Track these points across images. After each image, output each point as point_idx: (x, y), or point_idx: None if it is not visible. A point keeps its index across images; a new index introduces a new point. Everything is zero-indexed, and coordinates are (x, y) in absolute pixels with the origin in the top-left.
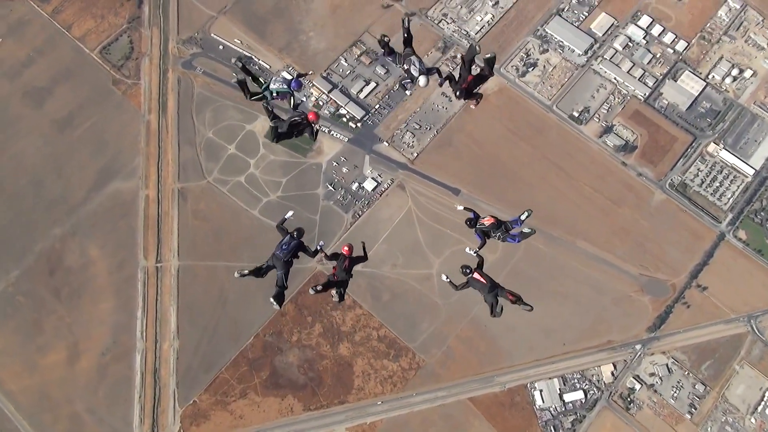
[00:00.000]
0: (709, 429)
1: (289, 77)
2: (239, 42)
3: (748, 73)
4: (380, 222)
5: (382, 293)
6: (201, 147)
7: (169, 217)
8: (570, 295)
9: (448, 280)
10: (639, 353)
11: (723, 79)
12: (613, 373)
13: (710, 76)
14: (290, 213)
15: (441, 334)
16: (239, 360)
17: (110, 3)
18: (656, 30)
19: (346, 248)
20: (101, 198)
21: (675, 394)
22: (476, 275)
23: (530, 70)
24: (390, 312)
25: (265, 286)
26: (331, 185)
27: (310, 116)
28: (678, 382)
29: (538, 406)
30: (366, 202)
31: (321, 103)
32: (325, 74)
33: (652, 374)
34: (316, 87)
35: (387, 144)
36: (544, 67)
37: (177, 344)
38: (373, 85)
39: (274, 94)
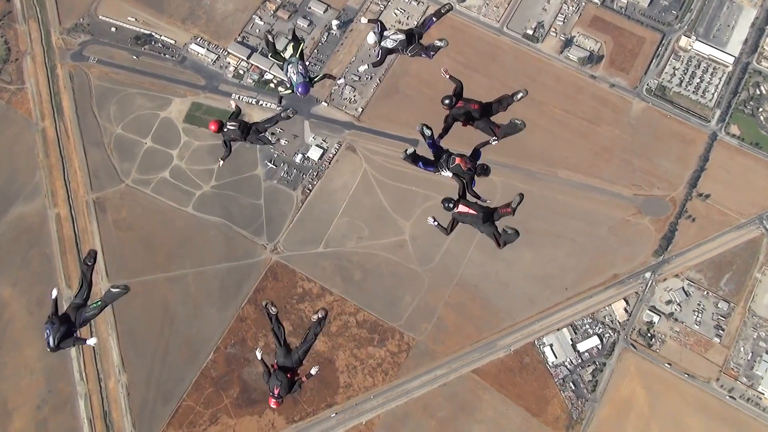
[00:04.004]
0: (741, 349)
1: (303, 78)
2: (134, 20)
3: None
4: (335, 193)
5: (352, 272)
6: (111, 147)
7: (89, 234)
8: (562, 234)
9: (436, 222)
10: (650, 282)
11: None
12: (626, 310)
13: None
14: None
15: (427, 305)
16: (201, 381)
17: None
18: None
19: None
20: (3, 228)
21: (698, 319)
22: (462, 207)
23: None
24: (365, 292)
25: (214, 295)
26: (271, 162)
27: (211, 126)
28: (698, 304)
29: (551, 363)
30: (315, 174)
31: (241, 71)
32: (240, 38)
33: (668, 302)
34: (233, 54)
35: (326, 104)
36: None
37: (125, 379)
38: None
39: (287, 75)
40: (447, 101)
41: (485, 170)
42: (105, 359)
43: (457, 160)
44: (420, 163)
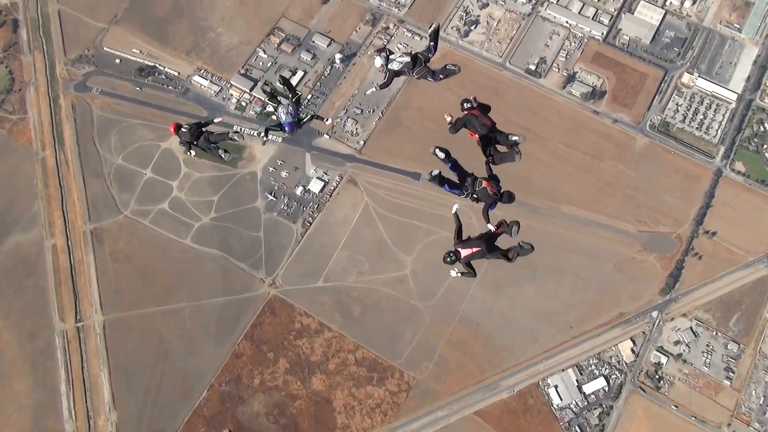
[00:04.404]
0: (753, 393)
1: (292, 119)
2: (138, 51)
3: None
4: (335, 226)
5: (351, 308)
6: (111, 177)
7: (85, 266)
8: (566, 270)
9: (460, 274)
10: (657, 321)
11: (682, 3)
12: (633, 350)
13: (668, 3)
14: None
15: (428, 342)
16: (194, 421)
17: None
18: None
19: None
20: None
21: (707, 360)
22: (463, 251)
23: (473, 28)
24: (365, 328)
25: (210, 329)
26: (271, 194)
27: (170, 128)
28: (707, 345)
29: (556, 406)
30: (315, 207)
31: (244, 103)
32: (243, 71)
33: (677, 342)
34: (236, 87)
35: (328, 136)
36: (488, 22)
37: (115, 417)
38: (300, 73)
39: (278, 115)
40: (466, 104)
41: (510, 197)
42: (96, 396)
43: (484, 184)
44: (446, 186)
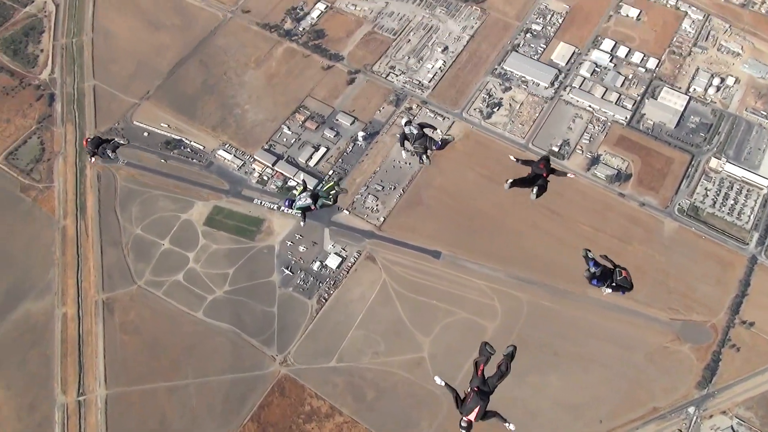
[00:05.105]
0: None
1: (294, 202)
2: (166, 126)
3: (730, 81)
4: (352, 303)
5: (365, 391)
6: (128, 247)
7: (93, 336)
8: (594, 358)
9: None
10: (695, 418)
11: (706, 90)
12: None
13: (692, 89)
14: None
15: None
16: None
17: (17, 105)
18: (622, 52)
19: None
20: (7, 325)
21: None
22: (471, 416)
23: (495, 110)
24: (378, 414)
25: (216, 408)
26: (287, 269)
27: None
28: None
29: None
30: (332, 283)
31: (265, 178)
32: (267, 146)
33: None
34: (259, 161)
35: (348, 212)
36: (510, 105)
37: None
38: (323, 150)
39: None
40: (545, 158)
41: (632, 286)
42: None
43: (623, 273)
44: (594, 281)
